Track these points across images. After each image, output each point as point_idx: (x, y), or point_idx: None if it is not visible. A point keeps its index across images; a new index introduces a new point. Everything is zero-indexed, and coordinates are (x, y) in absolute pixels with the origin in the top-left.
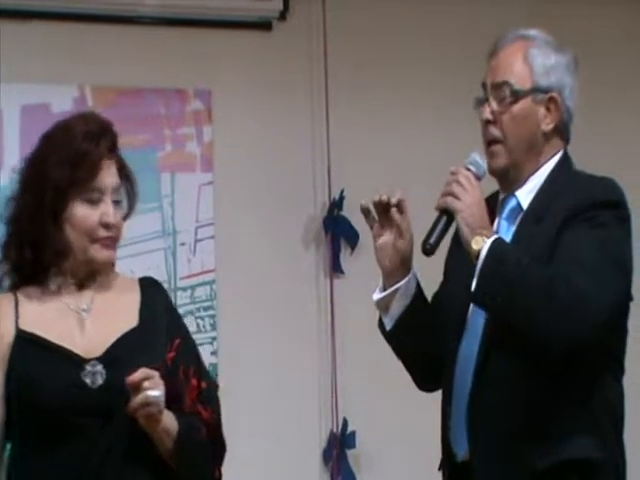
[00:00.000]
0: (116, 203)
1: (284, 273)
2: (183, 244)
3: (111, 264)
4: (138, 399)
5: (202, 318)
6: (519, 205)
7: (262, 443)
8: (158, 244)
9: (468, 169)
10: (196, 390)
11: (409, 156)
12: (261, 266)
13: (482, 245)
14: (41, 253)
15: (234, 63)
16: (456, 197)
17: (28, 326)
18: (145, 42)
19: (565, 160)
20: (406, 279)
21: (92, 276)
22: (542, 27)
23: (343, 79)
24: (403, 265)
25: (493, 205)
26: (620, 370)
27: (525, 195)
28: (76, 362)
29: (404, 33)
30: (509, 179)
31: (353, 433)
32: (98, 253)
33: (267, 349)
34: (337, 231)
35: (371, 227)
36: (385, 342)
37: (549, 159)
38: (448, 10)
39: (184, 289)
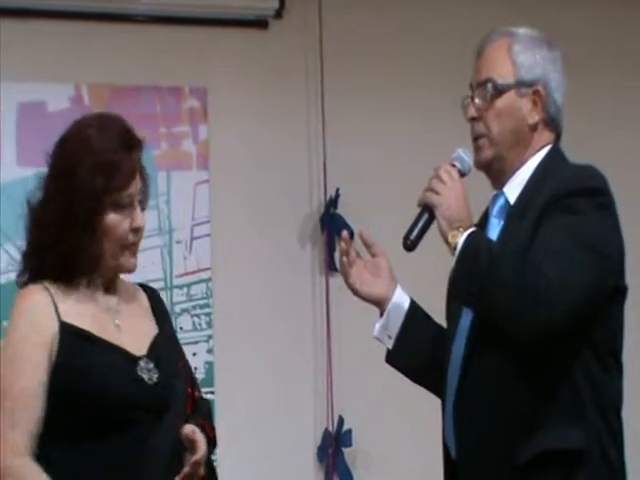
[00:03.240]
0: (140, 203)
1: (280, 271)
2: (179, 242)
3: (133, 270)
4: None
5: (198, 316)
6: (507, 201)
7: (257, 441)
8: (154, 242)
9: (453, 165)
10: (191, 400)
11: (405, 155)
12: (257, 264)
13: (458, 239)
14: (73, 259)
15: (230, 61)
16: (435, 192)
17: (70, 319)
18: (141, 40)
19: (554, 153)
20: (395, 296)
21: (114, 279)
22: (537, 27)
23: (339, 78)
24: (389, 284)
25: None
26: (613, 362)
27: (512, 191)
28: (130, 358)
29: (400, 31)
30: (494, 172)
31: (349, 431)
32: (127, 262)
33: (263, 347)
34: (332, 229)
35: (342, 270)
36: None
37: (537, 152)
38: (444, 7)
39: (180, 287)
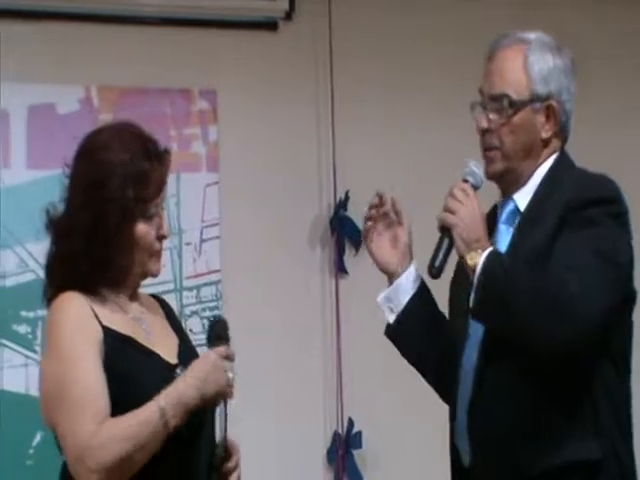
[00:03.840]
0: (162, 210)
1: (289, 273)
2: (189, 244)
3: (158, 274)
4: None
5: (208, 318)
6: (517, 208)
7: (266, 443)
8: (164, 244)
9: (466, 180)
10: None
11: (414, 158)
12: (266, 266)
13: (477, 260)
14: (102, 270)
15: (240, 63)
16: (451, 212)
17: (110, 325)
18: (151, 42)
19: (562, 159)
20: (406, 272)
21: (137, 287)
22: (543, 27)
23: (349, 80)
24: (404, 257)
25: (499, 202)
26: (625, 368)
27: (523, 197)
28: (168, 366)
29: (411, 32)
30: (506, 183)
31: (359, 433)
32: (154, 267)
33: (272, 349)
34: (342, 231)
35: (365, 234)
36: (389, 342)
37: (546, 160)
38: (455, 8)
39: (190, 289)
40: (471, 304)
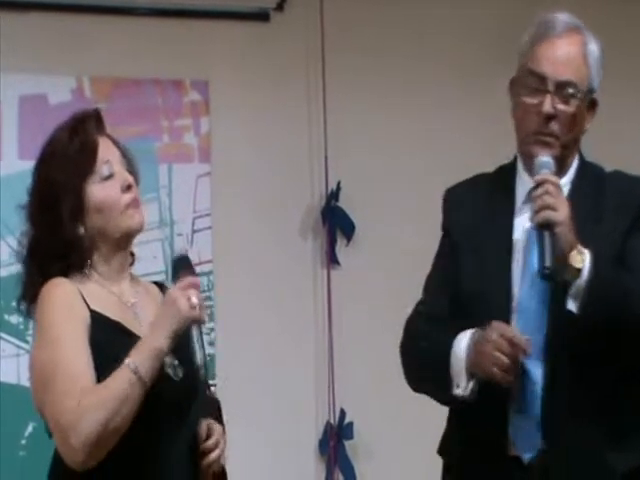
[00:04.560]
0: (128, 172)
1: (281, 264)
2: (180, 235)
3: (141, 229)
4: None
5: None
6: None
7: (258, 434)
8: (155, 235)
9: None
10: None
11: (405, 148)
12: (258, 257)
13: (582, 264)
14: (73, 251)
15: (231, 54)
16: (552, 208)
17: (98, 309)
18: (142, 33)
19: (581, 153)
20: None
21: (126, 260)
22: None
23: (340, 71)
24: None
25: (509, 181)
26: None
27: (563, 189)
28: None
29: (401, 24)
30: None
31: (351, 424)
32: (130, 220)
33: (264, 339)
34: (334, 222)
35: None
36: (381, 333)
37: (576, 154)
38: (443, 2)
39: None
40: (578, 308)
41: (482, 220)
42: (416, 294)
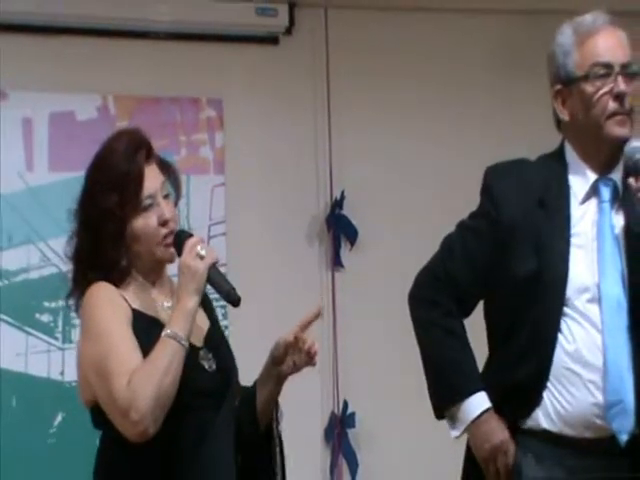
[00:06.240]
0: (166, 197)
1: (290, 266)
2: None
3: (173, 260)
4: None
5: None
6: (616, 187)
7: None
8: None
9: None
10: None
11: (404, 160)
12: (269, 260)
13: None
14: (110, 272)
15: (244, 74)
16: None
17: (138, 308)
18: (162, 55)
19: None
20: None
21: (161, 273)
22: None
23: (344, 89)
24: None
25: (559, 171)
26: None
27: (618, 177)
28: (192, 347)
29: (401, 46)
30: (618, 151)
31: (353, 414)
32: (164, 253)
33: (275, 336)
34: (338, 228)
35: None
36: (382, 331)
37: None
38: (449, 24)
39: None
40: None
41: (536, 211)
42: None
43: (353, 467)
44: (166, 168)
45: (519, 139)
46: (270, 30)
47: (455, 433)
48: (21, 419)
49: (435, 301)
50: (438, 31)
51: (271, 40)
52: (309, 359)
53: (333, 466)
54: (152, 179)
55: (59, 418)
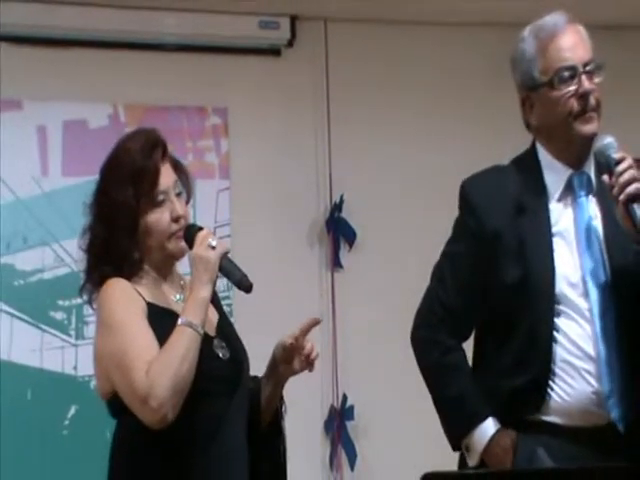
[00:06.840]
0: (178, 195)
1: (292, 266)
2: None
3: (183, 256)
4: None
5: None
6: (589, 180)
7: None
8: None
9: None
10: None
11: (401, 165)
12: (271, 261)
13: None
14: (124, 264)
15: (247, 84)
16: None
17: (151, 300)
18: (170, 66)
19: None
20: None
21: (171, 269)
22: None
23: (343, 98)
24: None
25: (534, 172)
26: None
27: (590, 169)
28: (206, 337)
29: (399, 58)
30: (588, 146)
31: (352, 407)
32: (175, 247)
33: (276, 335)
34: (337, 231)
35: None
36: (379, 329)
37: None
38: (449, 37)
39: None
40: None
41: (516, 216)
42: (410, 293)
43: (352, 458)
44: (179, 168)
45: (517, 146)
46: (272, 42)
47: (472, 463)
48: (36, 412)
49: (434, 341)
50: (436, 43)
51: (273, 52)
52: (307, 364)
53: (332, 457)
54: (166, 176)
55: (72, 411)
